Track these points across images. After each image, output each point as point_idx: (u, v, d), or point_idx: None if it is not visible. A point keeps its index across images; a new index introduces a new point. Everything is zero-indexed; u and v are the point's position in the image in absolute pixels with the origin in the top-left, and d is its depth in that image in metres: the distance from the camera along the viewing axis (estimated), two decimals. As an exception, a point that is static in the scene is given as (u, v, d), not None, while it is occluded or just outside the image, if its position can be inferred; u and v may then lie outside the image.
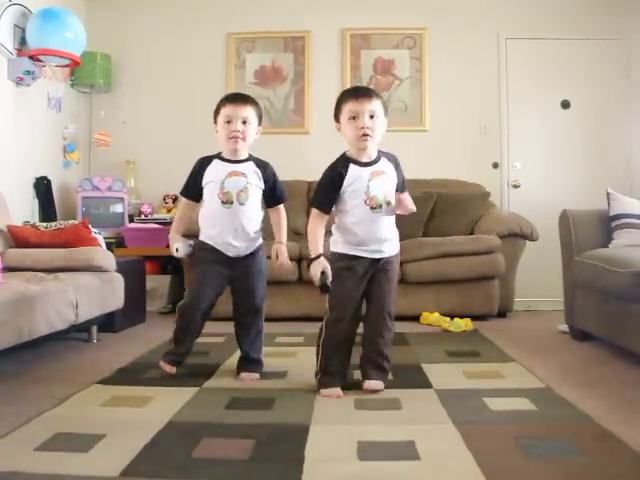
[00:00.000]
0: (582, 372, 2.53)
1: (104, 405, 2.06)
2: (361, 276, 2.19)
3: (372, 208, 2.16)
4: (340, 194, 2.18)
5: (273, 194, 2.46)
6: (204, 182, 2.38)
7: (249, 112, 2.36)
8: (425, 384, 2.29)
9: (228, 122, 2.33)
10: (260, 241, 2.45)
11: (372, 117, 2.13)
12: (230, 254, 2.37)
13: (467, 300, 3.81)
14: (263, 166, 2.43)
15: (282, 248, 2.46)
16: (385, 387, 2.21)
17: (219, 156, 2.41)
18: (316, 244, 2.17)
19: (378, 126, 2.15)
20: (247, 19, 4.94)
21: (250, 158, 2.42)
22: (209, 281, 2.37)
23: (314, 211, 2.22)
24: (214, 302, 2.42)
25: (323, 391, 2.17)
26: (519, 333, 3.48)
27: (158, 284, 4.39)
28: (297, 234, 4.52)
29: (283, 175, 4.48)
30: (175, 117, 4.89)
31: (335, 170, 2.20)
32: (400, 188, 2.26)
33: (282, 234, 2.49)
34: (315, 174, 4.96)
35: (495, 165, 4.87)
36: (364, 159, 2.19)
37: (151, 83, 4.96)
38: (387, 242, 2.22)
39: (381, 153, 2.24)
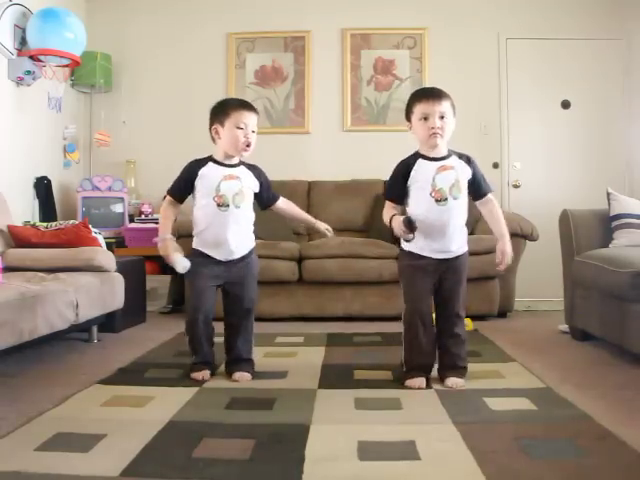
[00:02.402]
0: (582, 372, 2.53)
1: (104, 405, 2.06)
2: (429, 273, 2.28)
3: (437, 200, 2.22)
4: (408, 187, 2.28)
5: (268, 193, 2.51)
6: (197, 185, 2.35)
7: (256, 121, 2.39)
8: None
9: (241, 128, 2.32)
10: (253, 244, 2.46)
11: (442, 118, 2.22)
12: (221, 258, 2.37)
13: (467, 300, 3.80)
14: (254, 168, 2.46)
15: (322, 225, 2.62)
16: (462, 382, 2.29)
17: (212, 159, 2.40)
18: (388, 215, 2.27)
19: (448, 126, 2.25)
20: (247, 19, 4.94)
21: (241, 162, 2.43)
22: (203, 291, 2.39)
23: (387, 203, 2.33)
24: (213, 305, 2.44)
25: (407, 381, 2.26)
26: (519, 333, 3.48)
27: (158, 284, 4.39)
28: (297, 234, 4.52)
29: (283, 175, 4.56)
30: (175, 117, 4.89)
31: (403, 163, 2.30)
32: (482, 187, 2.33)
33: (303, 213, 2.67)
34: (315, 174, 5.03)
35: (495, 165, 4.87)
36: (433, 155, 2.27)
37: (151, 83, 4.96)
38: (453, 240, 2.26)
39: (451, 151, 2.31)
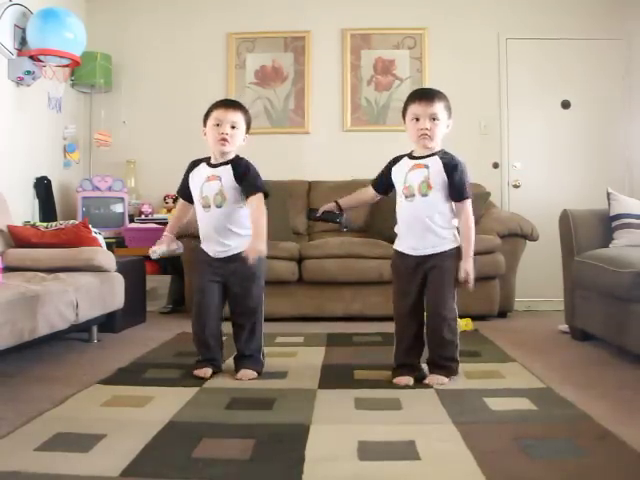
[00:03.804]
0: (582, 372, 2.53)
1: (104, 405, 2.06)
2: (411, 273, 2.30)
3: (406, 197, 2.30)
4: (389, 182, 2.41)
5: (242, 183, 2.34)
6: (190, 186, 2.46)
7: (238, 117, 2.40)
8: (425, 384, 2.29)
9: (217, 125, 2.37)
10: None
11: (433, 120, 2.25)
12: (220, 255, 2.40)
13: (467, 300, 3.78)
14: (238, 164, 2.39)
15: (250, 251, 2.24)
16: (448, 380, 2.31)
17: (207, 161, 2.45)
18: (345, 197, 2.55)
19: (439, 128, 2.27)
20: (247, 19, 4.94)
21: (231, 160, 2.41)
22: (204, 288, 2.43)
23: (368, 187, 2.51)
24: (221, 304, 2.46)
25: (395, 379, 2.30)
26: (519, 333, 3.48)
27: (158, 284, 4.39)
28: (297, 234, 4.52)
29: (283, 175, 4.56)
30: (175, 117, 4.88)
31: (392, 159, 2.42)
32: (455, 193, 2.26)
33: (255, 229, 2.28)
34: (315, 174, 5.02)
35: (495, 165, 4.87)
36: (417, 154, 2.33)
37: (151, 83, 4.96)
38: (426, 237, 2.27)
39: (439, 152, 2.30)
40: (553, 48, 4.80)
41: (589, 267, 2.99)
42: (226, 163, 2.40)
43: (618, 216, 3.20)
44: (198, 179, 2.42)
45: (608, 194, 3.31)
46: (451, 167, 2.26)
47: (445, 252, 2.29)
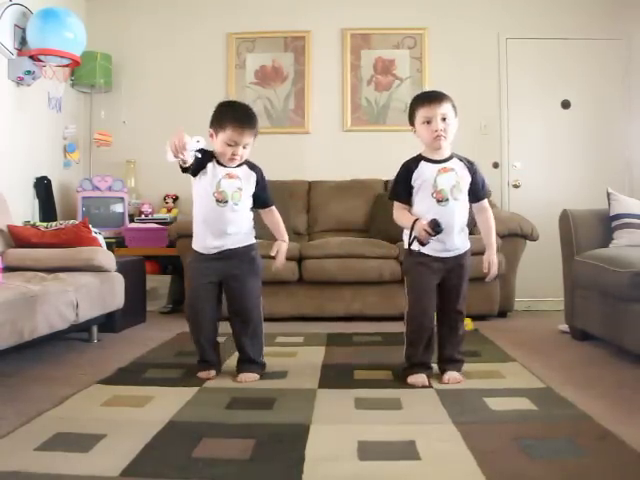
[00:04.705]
0: (582, 372, 2.53)
1: (104, 405, 2.06)
2: (435, 271, 2.31)
3: (438, 201, 2.27)
4: (411, 188, 2.32)
5: (264, 195, 2.50)
6: (200, 176, 2.37)
7: (251, 138, 2.38)
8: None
9: (230, 145, 2.33)
10: (252, 240, 2.46)
11: (444, 120, 2.27)
12: (214, 251, 2.38)
13: (467, 300, 3.80)
14: (255, 168, 2.46)
15: (283, 246, 2.50)
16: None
17: (216, 159, 2.40)
18: (408, 217, 2.29)
19: (450, 127, 2.29)
20: (247, 19, 4.94)
21: (245, 162, 2.44)
22: (199, 291, 2.40)
23: (395, 204, 2.36)
24: (216, 305, 2.45)
25: (409, 378, 2.30)
26: (519, 333, 3.48)
27: (158, 284, 4.39)
28: (297, 234, 4.52)
29: (283, 175, 4.57)
30: (175, 117, 4.87)
31: (406, 166, 2.35)
32: (480, 193, 2.37)
33: (283, 232, 2.54)
34: (315, 174, 5.02)
35: (495, 165, 4.87)
36: (435, 157, 2.32)
37: (151, 83, 4.96)
38: (454, 239, 2.30)
39: (454, 154, 2.35)
40: (553, 48, 4.81)
41: (589, 267, 2.99)
42: (240, 165, 2.41)
43: (618, 216, 3.20)
44: (213, 174, 2.36)
45: (608, 194, 3.31)
46: (473, 169, 2.35)
47: (466, 253, 2.37)
